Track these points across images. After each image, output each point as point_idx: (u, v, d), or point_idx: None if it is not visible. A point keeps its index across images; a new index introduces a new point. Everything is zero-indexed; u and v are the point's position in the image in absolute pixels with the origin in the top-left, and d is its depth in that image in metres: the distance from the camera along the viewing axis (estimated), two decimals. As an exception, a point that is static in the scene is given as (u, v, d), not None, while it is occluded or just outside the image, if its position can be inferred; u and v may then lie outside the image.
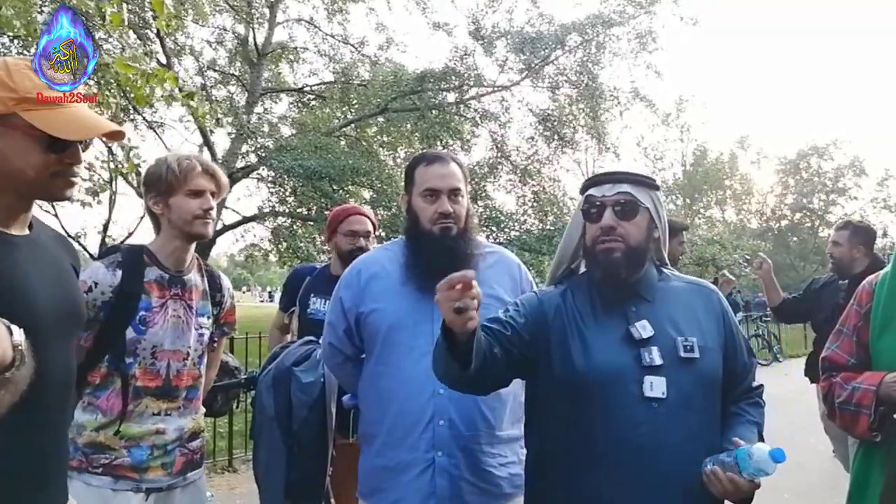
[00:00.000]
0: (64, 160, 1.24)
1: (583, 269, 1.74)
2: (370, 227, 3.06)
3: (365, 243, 3.01)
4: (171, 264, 1.96)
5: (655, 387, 1.49)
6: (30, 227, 1.29)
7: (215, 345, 2.15)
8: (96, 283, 1.84)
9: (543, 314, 1.63)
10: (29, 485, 1.19)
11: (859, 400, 1.61)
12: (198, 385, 2.00)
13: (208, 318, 2.04)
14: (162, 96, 4.90)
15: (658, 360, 1.51)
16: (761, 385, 1.72)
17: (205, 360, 2.04)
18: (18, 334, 0.71)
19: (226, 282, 2.18)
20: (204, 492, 2.06)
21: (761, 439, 1.58)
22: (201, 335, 2.00)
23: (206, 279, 2.07)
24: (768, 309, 5.91)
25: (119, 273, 1.86)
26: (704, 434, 1.52)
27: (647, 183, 1.65)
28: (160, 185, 1.92)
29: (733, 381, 1.64)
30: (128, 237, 11.61)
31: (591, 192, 1.64)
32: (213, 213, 1.97)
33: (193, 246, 2.01)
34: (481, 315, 1.88)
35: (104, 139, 1.41)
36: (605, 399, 1.50)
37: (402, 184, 2.08)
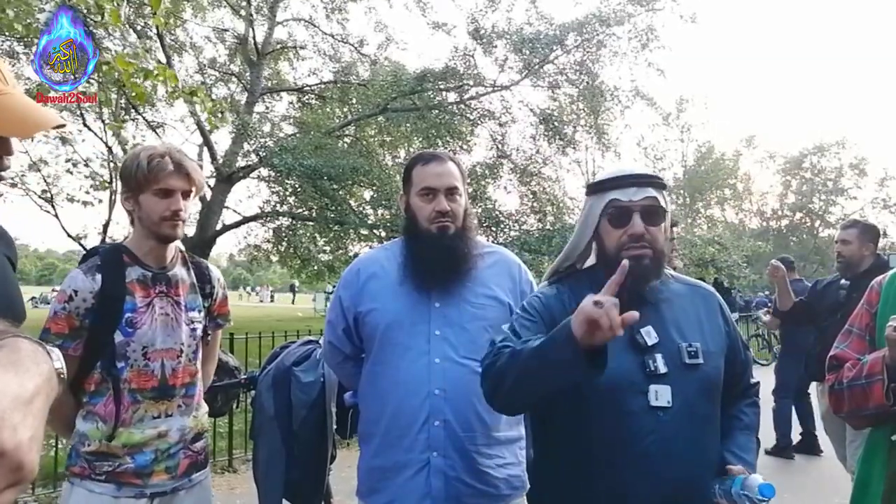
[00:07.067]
0: None
1: (586, 265, 1.68)
2: None
3: None
4: (151, 261, 1.88)
5: (661, 395, 1.46)
6: None
7: (209, 339, 2.08)
8: (76, 292, 1.78)
9: (552, 318, 1.53)
10: None
11: (870, 369, 1.59)
12: (195, 382, 1.95)
13: (199, 311, 1.98)
14: (165, 93, 4.85)
15: (663, 368, 1.48)
16: (758, 382, 1.74)
17: (199, 356, 1.98)
18: (58, 359, 0.69)
19: (215, 272, 2.09)
20: (210, 492, 2.02)
21: (757, 442, 1.65)
22: (193, 330, 1.93)
23: (192, 272, 2.00)
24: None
25: (99, 277, 1.80)
26: (708, 440, 1.53)
27: (663, 184, 1.62)
28: (130, 181, 1.83)
29: (734, 379, 1.65)
30: (126, 238, 11.57)
31: (614, 195, 1.55)
32: (185, 213, 1.86)
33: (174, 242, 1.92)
34: (481, 315, 1.89)
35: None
36: (611, 406, 1.47)
37: (401, 183, 2.08)
